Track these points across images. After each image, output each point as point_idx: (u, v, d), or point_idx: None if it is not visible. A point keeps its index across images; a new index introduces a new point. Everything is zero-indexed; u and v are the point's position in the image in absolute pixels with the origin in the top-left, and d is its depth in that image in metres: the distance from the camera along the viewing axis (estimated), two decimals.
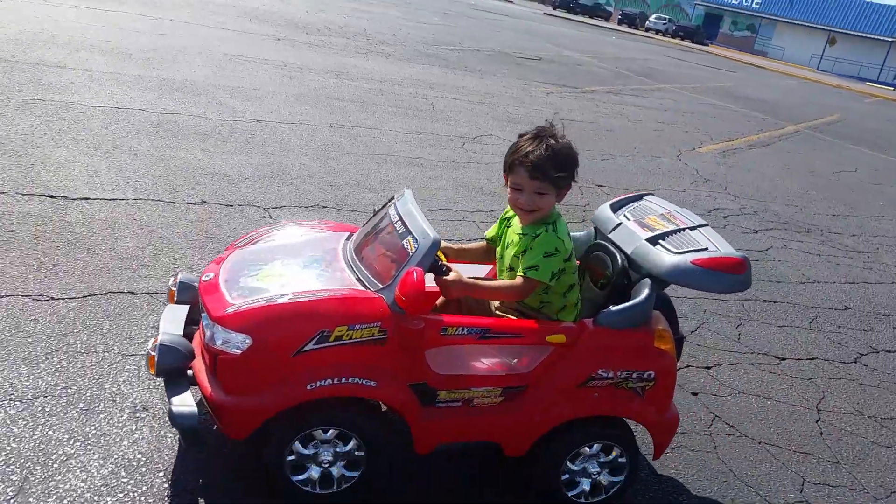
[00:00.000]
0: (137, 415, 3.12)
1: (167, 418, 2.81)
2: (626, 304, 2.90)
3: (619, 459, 3.05)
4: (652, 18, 61.57)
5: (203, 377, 2.67)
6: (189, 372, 2.74)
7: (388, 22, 21.74)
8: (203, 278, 2.89)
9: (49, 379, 3.22)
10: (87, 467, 2.79)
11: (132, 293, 4.06)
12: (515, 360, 2.94)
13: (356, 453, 2.76)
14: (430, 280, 2.75)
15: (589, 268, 3.26)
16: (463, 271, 2.87)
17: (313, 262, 2.96)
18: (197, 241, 4.82)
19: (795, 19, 61.84)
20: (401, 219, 2.83)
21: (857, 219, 9.80)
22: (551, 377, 2.88)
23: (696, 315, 5.43)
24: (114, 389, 3.24)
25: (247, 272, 2.89)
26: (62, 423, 2.98)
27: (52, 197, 5.02)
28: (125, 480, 2.77)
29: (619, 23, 61.35)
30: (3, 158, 5.47)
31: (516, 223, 3.02)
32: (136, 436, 3.00)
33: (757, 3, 64.80)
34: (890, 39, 56.62)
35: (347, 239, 3.12)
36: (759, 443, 4.01)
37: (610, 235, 3.25)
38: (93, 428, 2.99)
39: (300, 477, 2.75)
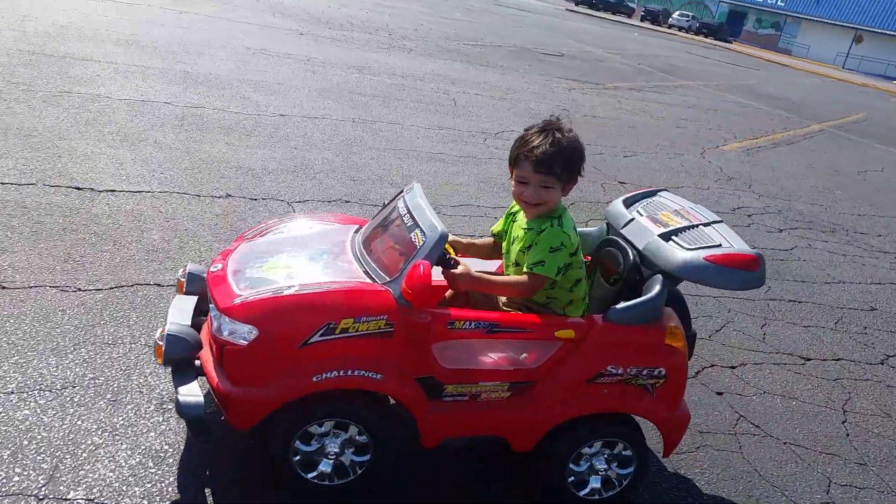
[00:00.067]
0: (164, 406, 3.14)
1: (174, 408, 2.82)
2: (637, 300, 2.87)
3: (625, 453, 3.02)
4: (675, 15, 61.01)
5: (210, 368, 2.67)
6: (197, 362, 2.75)
7: (410, 17, 21.74)
8: (211, 269, 2.89)
9: (77, 369, 3.25)
10: (116, 457, 2.81)
11: (158, 285, 4.08)
12: (524, 356, 2.91)
13: (358, 438, 2.74)
14: (439, 274, 2.75)
15: (600, 263, 3.22)
16: (473, 266, 2.86)
17: (321, 255, 2.95)
18: (222, 235, 4.84)
19: (821, 17, 61.07)
20: (409, 212, 2.82)
21: (882, 219, 9.69)
22: (560, 373, 2.85)
23: (720, 314, 5.39)
24: (141, 381, 3.27)
25: (254, 264, 2.89)
26: (90, 413, 3.01)
27: (78, 189, 5.06)
28: (153, 471, 2.79)
29: (642, 19, 60.86)
30: (31, 150, 5.53)
31: (522, 218, 2.99)
32: (163, 427, 3.03)
33: (782, 1, 64.09)
34: None
35: (356, 232, 3.12)
36: (785, 443, 3.98)
37: (622, 231, 3.21)
38: (120, 419, 3.02)
39: (314, 474, 2.75)
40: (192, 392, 2.61)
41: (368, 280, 2.73)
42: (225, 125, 7.22)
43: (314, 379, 2.54)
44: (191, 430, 2.75)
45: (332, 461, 2.75)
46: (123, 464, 2.79)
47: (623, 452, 3.02)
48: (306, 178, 6.29)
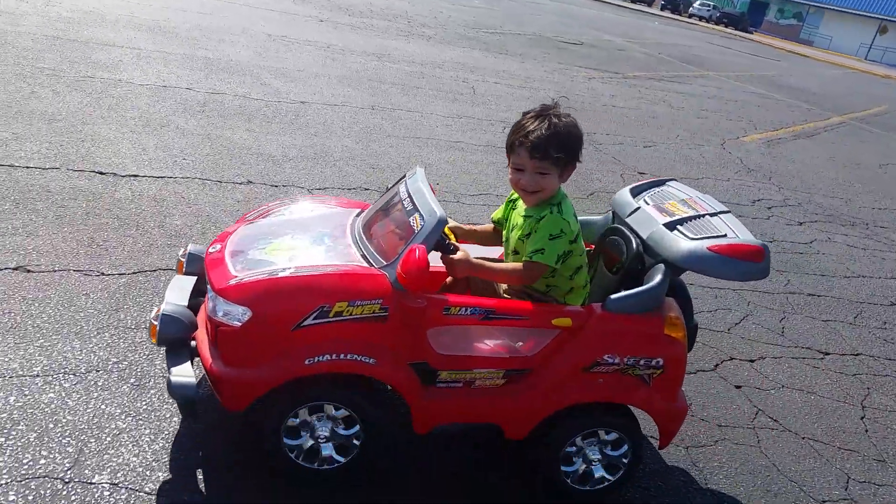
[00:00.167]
0: None
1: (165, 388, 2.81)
2: (637, 289, 2.83)
3: (615, 449, 2.99)
4: (696, 4, 60.41)
5: (204, 348, 2.67)
6: (192, 343, 2.76)
7: (430, 4, 21.66)
8: (209, 250, 2.90)
9: (101, 353, 3.29)
10: (139, 442, 2.84)
11: None
12: (520, 343, 2.88)
13: (335, 413, 2.72)
14: (439, 261, 2.74)
15: (604, 252, 3.19)
16: (474, 253, 2.83)
17: (322, 238, 2.94)
18: None
19: (845, 7, 60.32)
20: (409, 196, 2.81)
21: None
22: (556, 361, 2.82)
23: (739, 307, 5.37)
24: (163, 366, 3.28)
25: (256, 245, 2.88)
26: (114, 397, 3.05)
27: (101, 174, 5.10)
28: (176, 456, 2.82)
29: (662, 8, 60.46)
30: (56, 134, 5.57)
31: (521, 205, 2.95)
32: None
33: None
34: None
35: (357, 216, 3.11)
36: (803, 438, 3.97)
37: (627, 220, 3.18)
38: (143, 403, 3.05)
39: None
40: (185, 372, 2.61)
41: (365, 264, 2.72)
42: (246, 112, 7.24)
43: (307, 362, 2.53)
44: (181, 411, 2.76)
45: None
46: (147, 448, 2.82)
47: (614, 444, 2.99)
48: (326, 165, 6.31)
